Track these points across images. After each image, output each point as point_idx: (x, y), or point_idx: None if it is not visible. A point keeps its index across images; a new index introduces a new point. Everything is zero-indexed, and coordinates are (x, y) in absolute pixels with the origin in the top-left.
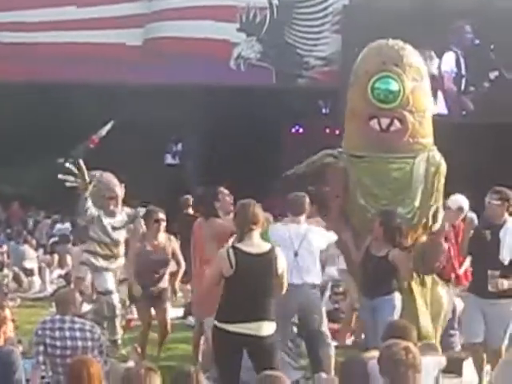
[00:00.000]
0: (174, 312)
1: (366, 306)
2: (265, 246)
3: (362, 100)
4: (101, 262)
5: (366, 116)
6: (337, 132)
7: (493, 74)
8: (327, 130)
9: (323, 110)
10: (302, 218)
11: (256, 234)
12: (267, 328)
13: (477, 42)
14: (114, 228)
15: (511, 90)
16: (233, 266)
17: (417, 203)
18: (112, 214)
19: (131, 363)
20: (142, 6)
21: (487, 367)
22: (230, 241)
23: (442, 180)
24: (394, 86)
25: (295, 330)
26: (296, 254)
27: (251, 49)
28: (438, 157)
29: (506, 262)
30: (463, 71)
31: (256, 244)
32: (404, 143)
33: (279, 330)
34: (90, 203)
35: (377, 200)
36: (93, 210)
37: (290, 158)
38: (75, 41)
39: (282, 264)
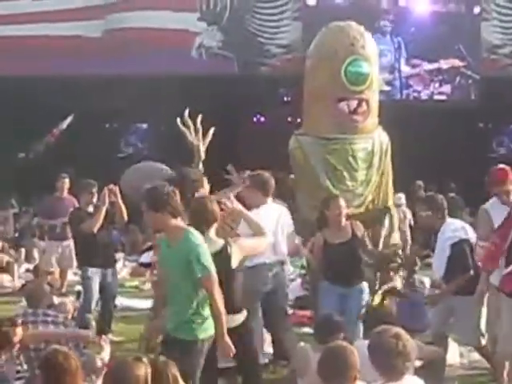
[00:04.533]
0: (144, 303)
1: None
2: (218, 244)
3: (331, 82)
4: None
5: (334, 98)
6: (299, 120)
7: None
8: (289, 119)
9: (285, 99)
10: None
11: (211, 231)
12: (234, 320)
13: None
14: None
15: None
16: None
17: (373, 181)
18: None
19: (105, 355)
20: None
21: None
22: None
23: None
24: (365, 68)
25: None
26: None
27: (212, 38)
28: (383, 134)
29: None
30: None
31: (211, 242)
32: (367, 123)
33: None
34: None
35: (341, 180)
36: None
37: (252, 147)
38: (32, 34)
39: (236, 259)
